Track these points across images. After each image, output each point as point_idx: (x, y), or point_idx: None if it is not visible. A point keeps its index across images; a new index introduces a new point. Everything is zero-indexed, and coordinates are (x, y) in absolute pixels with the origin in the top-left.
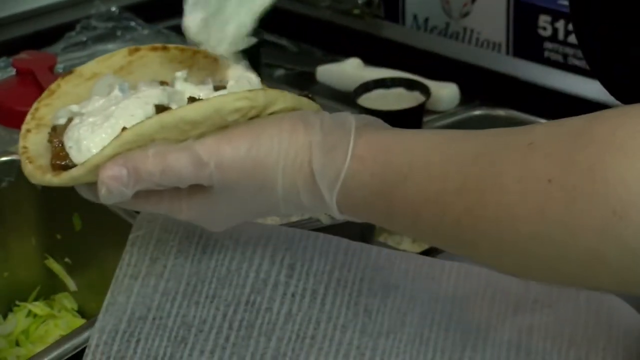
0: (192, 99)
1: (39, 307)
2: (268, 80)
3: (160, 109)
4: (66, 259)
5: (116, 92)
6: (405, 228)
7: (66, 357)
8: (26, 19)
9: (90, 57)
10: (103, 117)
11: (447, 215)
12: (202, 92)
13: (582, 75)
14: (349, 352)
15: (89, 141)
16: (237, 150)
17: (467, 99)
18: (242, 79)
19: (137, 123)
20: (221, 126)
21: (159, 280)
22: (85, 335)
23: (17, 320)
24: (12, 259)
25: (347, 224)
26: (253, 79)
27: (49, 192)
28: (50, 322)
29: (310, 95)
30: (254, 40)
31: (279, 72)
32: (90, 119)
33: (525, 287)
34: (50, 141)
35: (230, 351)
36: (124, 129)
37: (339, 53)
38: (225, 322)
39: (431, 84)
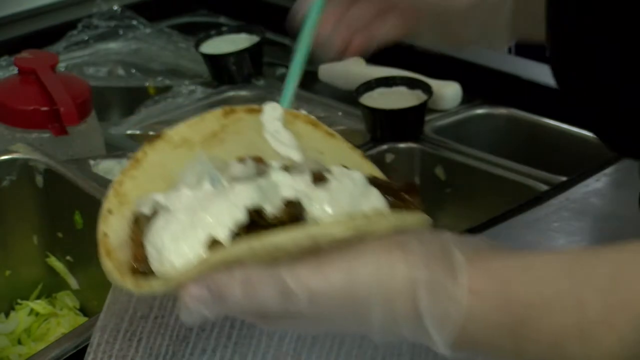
0: (288, 205)
1: (40, 306)
2: (270, 78)
3: (253, 214)
4: (68, 257)
5: (206, 185)
6: None
7: (68, 356)
8: (28, 17)
9: (92, 55)
10: (189, 223)
11: (596, 347)
12: (300, 184)
13: None
14: (351, 350)
15: (172, 253)
16: (330, 284)
17: (469, 97)
18: (344, 178)
19: (226, 249)
20: (314, 248)
21: None
22: (87, 333)
23: (19, 319)
24: (14, 258)
25: None
26: (357, 178)
27: (50, 190)
28: (52, 320)
29: (414, 183)
30: (256, 39)
31: (281, 70)
32: (174, 224)
33: None
34: (131, 237)
35: (232, 350)
36: (212, 241)
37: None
38: (227, 320)
39: (433, 83)
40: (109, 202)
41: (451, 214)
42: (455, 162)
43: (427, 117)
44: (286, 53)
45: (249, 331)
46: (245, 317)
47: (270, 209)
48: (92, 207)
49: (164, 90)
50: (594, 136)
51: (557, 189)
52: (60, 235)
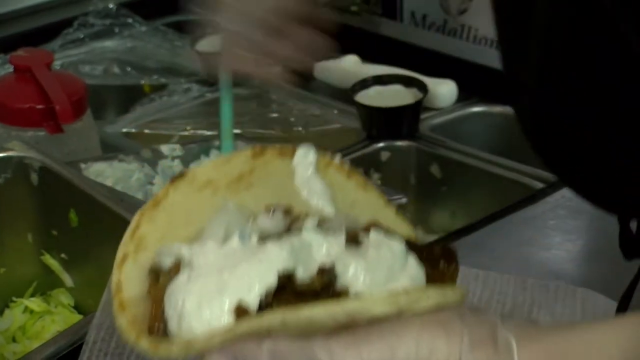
0: (321, 272)
1: (35, 303)
2: None
3: (284, 278)
4: (62, 255)
5: (235, 240)
6: None
7: (63, 353)
8: (23, 15)
9: (88, 54)
10: (215, 286)
11: None
12: (333, 247)
13: None
14: None
15: (194, 319)
16: None
17: (465, 95)
18: (383, 247)
19: (256, 317)
20: (350, 322)
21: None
22: (82, 331)
23: (14, 316)
24: (9, 255)
25: None
26: (396, 249)
27: (45, 188)
28: (46, 317)
29: (452, 249)
30: None
31: (277, 68)
32: (199, 286)
33: (522, 289)
34: (150, 292)
35: None
36: (239, 307)
37: (336, 50)
38: None
39: (429, 81)
40: (125, 246)
41: (447, 211)
42: (451, 160)
43: (423, 115)
44: None
45: None
46: None
47: (302, 273)
48: (87, 205)
49: (159, 88)
50: None
51: (554, 187)
52: (55, 233)
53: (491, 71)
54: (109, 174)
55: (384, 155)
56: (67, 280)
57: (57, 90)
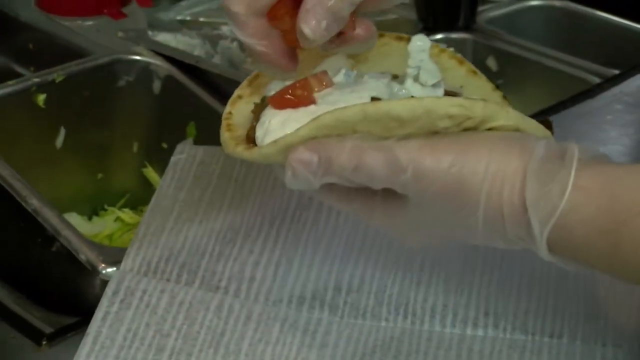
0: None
1: (127, 215)
2: None
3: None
4: None
5: (340, 77)
6: (632, 270)
7: None
8: None
9: None
10: (302, 112)
11: None
12: (431, 93)
13: None
14: (399, 258)
15: (276, 135)
16: (438, 163)
17: None
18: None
19: (340, 108)
20: (431, 131)
21: (203, 193)
22: None
23: (105, 223)
24: (110, 162)
25: None
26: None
27: (165, 98)
28: (134, 231)
29: (550, 120)
30: None
31: None
32: (287, 110)
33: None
34: (253, 112)
35: (279, 253)
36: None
37: None
38: (273, 229)
39: None
40: (241, 89)
41: None
42: (507, 53)
43: (480, 8)
44: None
45: (294, 242)
46: (348, 200)
47: None
48: (208, 119)
49: None
50: None
51: (610, 82)
52: (164, 145)
53: None
54: (174, 43)
55: None
56: None
57: None
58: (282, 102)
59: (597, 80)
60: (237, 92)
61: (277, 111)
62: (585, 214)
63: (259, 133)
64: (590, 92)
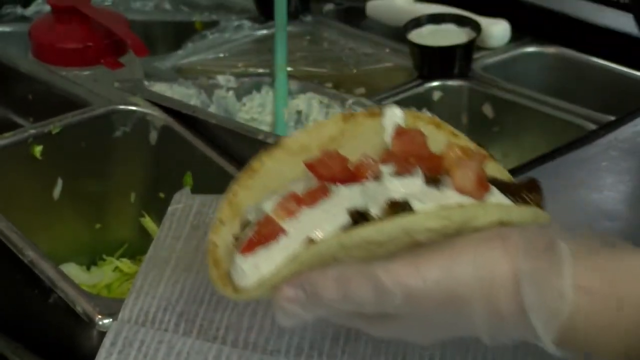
0: (392, 205)
1: (125, 265)
2: (317, 14)
3: (355, 215)
4: None
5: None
6: None
7: None
8: None
9: None
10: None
11: None
12: (410, 188)
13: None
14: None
15: (261, 259)
16: (425, 282)
17: (518, 35)
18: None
19: (315, 245)
20: (412, 244)
21: (200, 242)
22: None
23: (104, 273)
24: (108, 212)
25: None
26: None
27: (162, 148)
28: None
29: (535, 180)
30: None
31: (328, 6)
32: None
33: None
34: (235, 246)
35: None
36: (308, 242)
37: None
38: None
39: (482, 20)
40: (222, 212)
41: (499, 152)
42: (503, 100)
43: (476, 55)
44: None
45: None
46: (343, 320)
47: (375, 211)
48: (205, 169)
49: (210, 25)
50: None
51: (606, 128)
52: (162, 195)
53: (545, 11)
54: (169, 94)
55: (436, 95)
56: None
57: (118, 25)
58: (250, 245)
59: (592, 126)
60: (218, 217)
61: (250, 255)
62: (590, 311)
63: (235, 278)
64: (586, 138)
